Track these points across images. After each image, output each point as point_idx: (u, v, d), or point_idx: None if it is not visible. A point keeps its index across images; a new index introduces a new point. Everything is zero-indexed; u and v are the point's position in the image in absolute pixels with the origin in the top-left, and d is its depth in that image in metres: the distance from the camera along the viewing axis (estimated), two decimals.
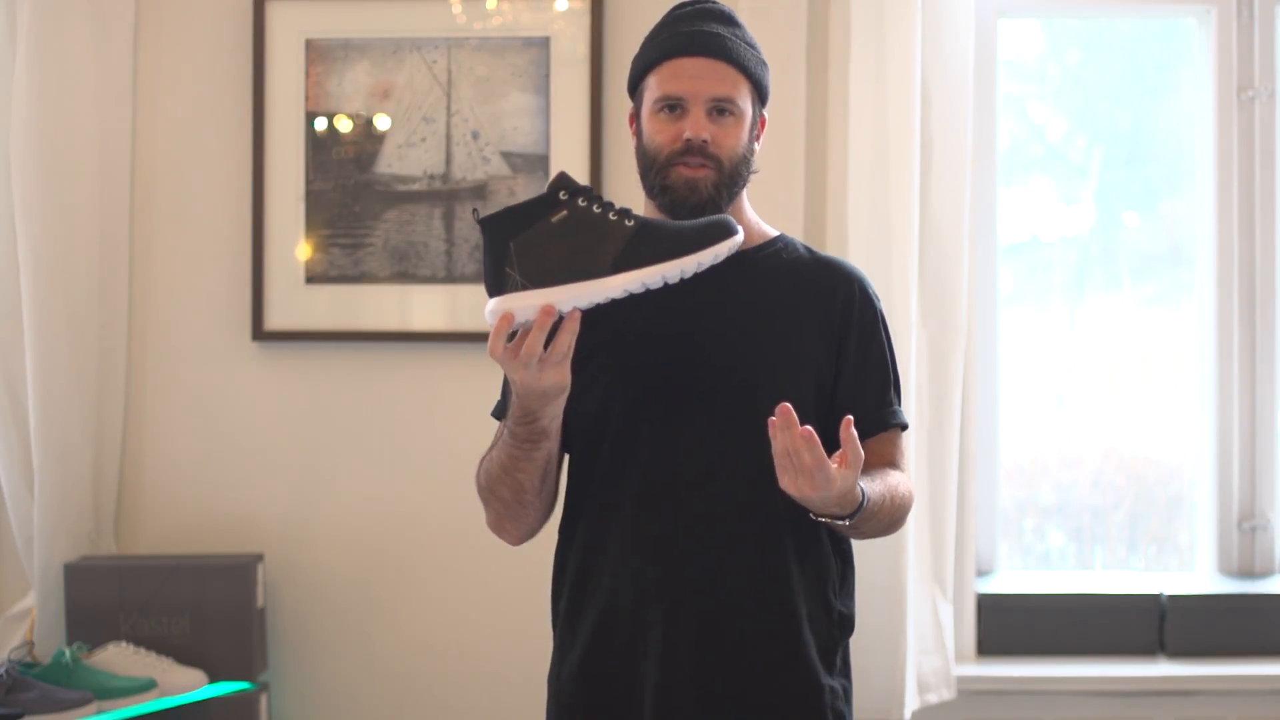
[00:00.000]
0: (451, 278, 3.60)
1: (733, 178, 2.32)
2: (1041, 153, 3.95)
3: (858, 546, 3.42)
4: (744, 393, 2.29)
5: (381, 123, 3.60)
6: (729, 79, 2.31)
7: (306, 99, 3.61)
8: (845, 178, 3.43)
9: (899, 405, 2.41)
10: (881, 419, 2.37)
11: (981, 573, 3.68)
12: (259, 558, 3.50)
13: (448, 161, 3.60)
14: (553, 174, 3.57)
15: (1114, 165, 3.90)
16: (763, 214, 3.48)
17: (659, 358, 2.32)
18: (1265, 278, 3.67)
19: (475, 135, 3.59)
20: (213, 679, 3.35)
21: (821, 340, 2.34)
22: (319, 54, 3.61)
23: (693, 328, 2.33)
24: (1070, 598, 3.62)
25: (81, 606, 3.41)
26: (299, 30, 3.61)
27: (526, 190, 3.58)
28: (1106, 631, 3.59)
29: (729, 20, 2.37)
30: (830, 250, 3.48)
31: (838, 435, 2.22)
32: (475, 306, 3.59)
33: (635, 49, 3.59)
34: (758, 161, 2.40)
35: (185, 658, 3.38)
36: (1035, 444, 3.87)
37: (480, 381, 3.60)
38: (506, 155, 3.59)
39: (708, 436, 2.29)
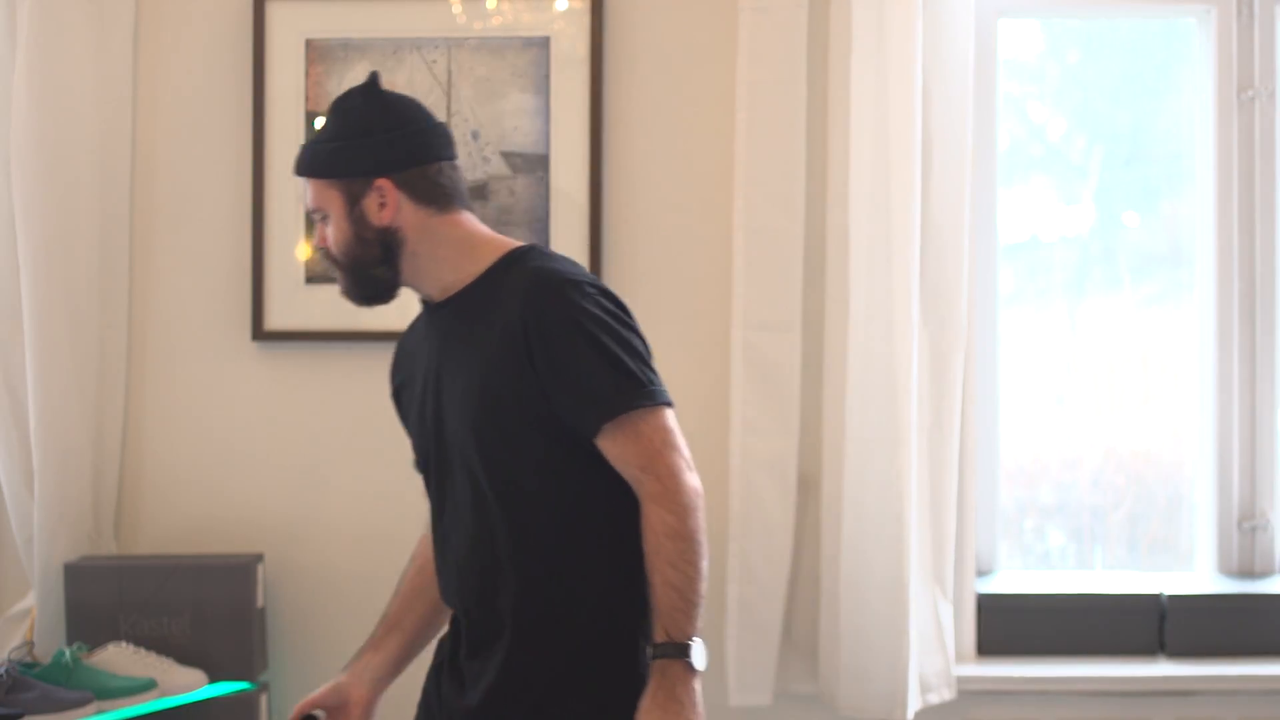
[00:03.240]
0: None
1: (355, 265, 2.46)
2: (1041, 153, 3.95)
3: (858, 547, 3.44)
4: (458, 444, 2.44)
5: None
6: (310, 190, 2.48)
7: (306, 99, 3.61)
8: (845, 178, 3.43)
9: (629, 389, 2.35)
10: (599, 417, 2.34)
11: (981, 573, 3.68)
12: (259, 558, 3.50)
13: None
14: (554, 174, 3.57)
15: (1114, 165, 3.90)
16: (762, 213, 3.49)
17: (414, 420, 2.57)
18: (1265, 278, 3.67)
19: (475, 135, 3.59)
20: (213, 679, 3.35)
21: (512, 364, 2.37)
22: (319, 54, 3.61)
23: (428, 382, 2.51)
24: (1070, 598, 3.62)
25: (81, 606, 3.41)
26: (299, 30, 3.61)
27: (526, 190, 3.58)
28: (1106, 631, 3.59)
29: (329, 116, 2.50)
30: (830, 250, 3.48)
31: (576, 452, 2.38)
32: None
33: (635, 49, 3.62)
34: (422, 232, 2.45)
35: (185, 658, 3.38)
36: (1035, 444, 3.87)
37: None
38: (506, 155, 3.59)
39: (448, 489, 2.50)
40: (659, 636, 2.29)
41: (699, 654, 2.29)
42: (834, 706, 3.46)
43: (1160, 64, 3.89)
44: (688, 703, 2.27)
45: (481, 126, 3.59)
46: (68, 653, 3.24)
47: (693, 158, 3.58)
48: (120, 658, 3.31)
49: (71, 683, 3.20)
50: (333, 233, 2.45)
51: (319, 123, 2.52)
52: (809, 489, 3.53)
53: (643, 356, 2.40)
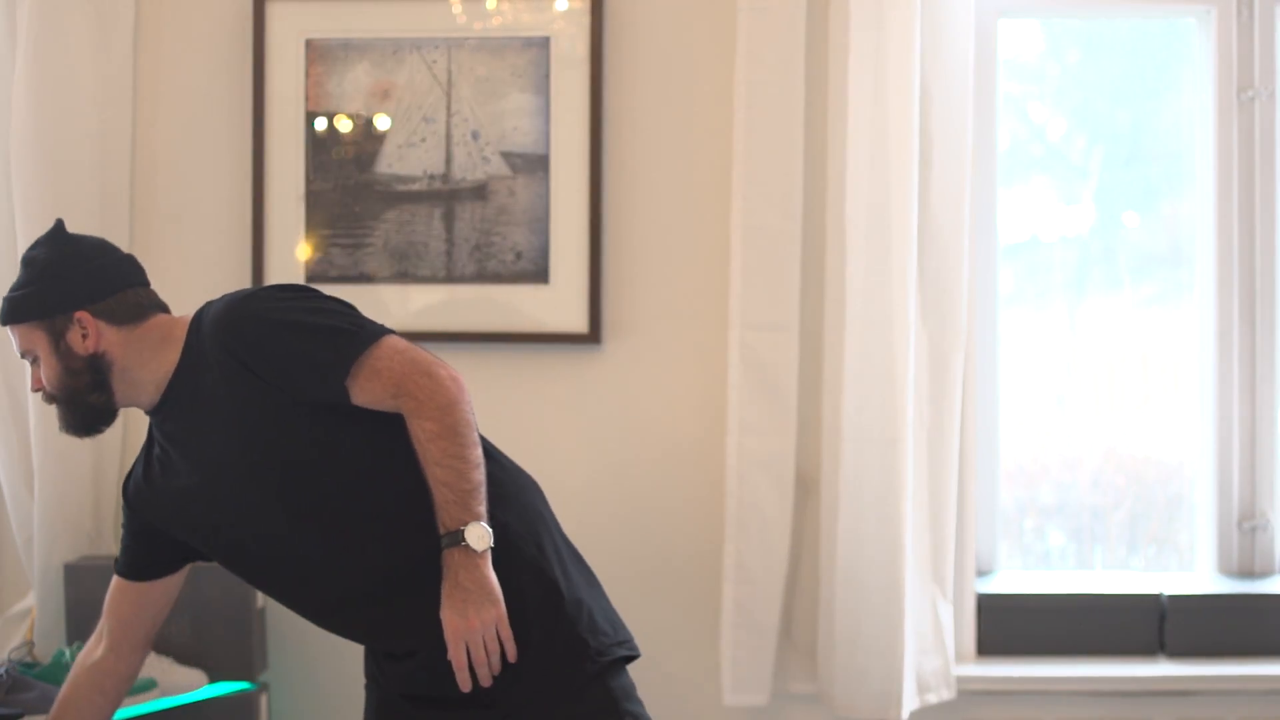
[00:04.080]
0: (451, 278, 3.60)
1: (71, 396, 2.55)
2: (1041, 153, 3.95)
3: (856, 547, 3.43)
4: (256, 507, 2.49)
5: (381, 123, 3.60)
6: (17, 336, 2.59)
7: (306, 99, 3.61)
8: (844, 177, 3.43)
9: (343, 342, 2.43)
10: (337, 381, 2.42)
11: (981, 573, 3.68)
12: None
13: (448, 161, 3.60)
14: (553, 174, 3.57)
15: (1114, 165, 3.90)
16: (761, 213, 3.49)
17: (200, 531, 2.60)
18: (1265, 278, 3.67)
19: (475, 135, 3.59)
20: (213, 679, 3.35)
21: (252, 396, 2.45)
22: (319, 54, 3.62)
23: (191, 485, 2.56)
24: (1070, 598, 3.62)
25: (81, 606, 3.41)
26: (299, 30, 3.61)
27: (526, 190, 3.58)
28: (1106, 631, 3.59)
29: (22, 266, 2.59)
30: (829, 250, 3.48)
31: (362, 427, 2.44)
32: (475, 306, 3.59)
33: (635, 49, 3.62)
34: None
35: (185, 658, 3.38)
36: (1035, 444, 3.87)
37: (479, 381, 3.59)
38: (506, 155, 3.59)
39: (277, 559, 2.54)
40: (441, 530, 2.38)
41: (474, 535, 2.36)
42: (831, 706, 3.46)
43: (1160, 64, 3.89)
44: (472, 587, 2.35)
45: (481, 126, 3.59)
46: (68, 653, 3.24)
47: (692, 157, 3.59)
48: None
49: None
50: (45, 371, 2.57)
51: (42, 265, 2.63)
52: (807, 489, 3.53)
53: (341, 313, 2.50)
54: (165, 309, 2.63)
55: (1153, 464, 3.86)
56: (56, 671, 3.21)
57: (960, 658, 3.55)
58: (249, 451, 2.48)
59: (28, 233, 3.49)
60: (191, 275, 3.66)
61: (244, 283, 3.62)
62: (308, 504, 2.47)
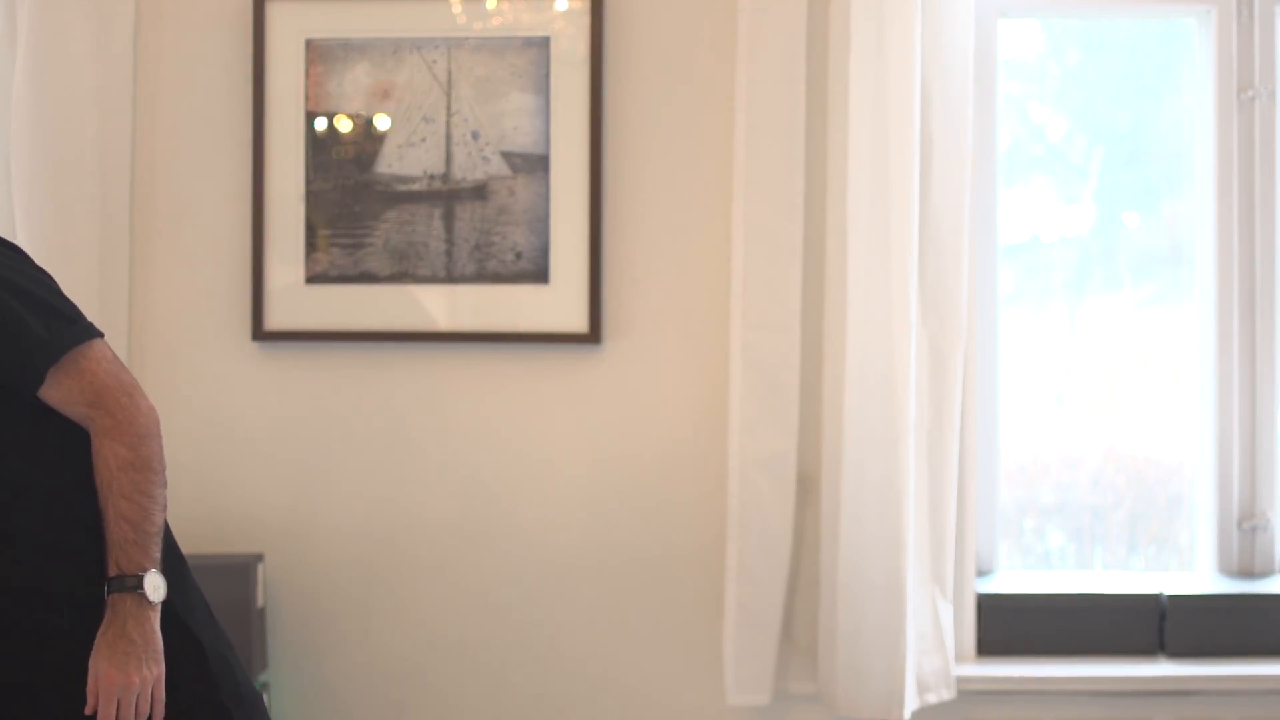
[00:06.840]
0: (451, 278, 3.60)
1: None
2: (1041, 153, 3.95)
3: (857, 547, 3.43)
4: None
5: (381, 123, 3.60)
6: None
7: (306, 99, 3.61)
8: (844, 178, 3.43)
9: (61, 329, 2.20)
10: (42, 363, 2.19)
11: (981, 573, 3.68)
12: (259, 558, 3.50)
13: (448, 161, 3.60)
14: (553, 174, 3.57)
15: (1114, 165, 3.90)
16: (762, 213, 3.49)
17: None
18: (1265, 278, 3.67)
19: (475, 135, 3.59)
20: None
21: None
22: (319, 54, 3.62)
23: None
24: (1070, 598, 3.62)
25: None
26: (299, 30, 3.61)
27: (526, 190, 3.58)
28: (1106, 631, 3.59)
29: None
30: (829, 250, 3.48)
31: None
32: (475, 306, 3.59)
33: (635, 49, 3.63)
34: None
35: None
36: (1035, 444, 3.86)
37: (480, 381, 3.61)
38: (506, 155, 3.59)
39: None
40: (111, 571, 2.20)
41: (152, 584, 2.21)
42: (832, 706, 3.46)
43: (1160, 64, 3.89)
44: (139, 639, 2.18)
45: (481, 126, 3.59)
46: None
47: (692, 158, 3.59)
48: None
49: None
50: None
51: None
52: (808, 488, 3.53)
53: (58, 293, 2.27)
54: None
55: (1153, 464, 3.86)
56: None
57: (960, 658, 3.55)
58: None
59: (28, 232, 3.49)
60: (192, 275, 3.66)
61: (245, 284, 3.63)
62: None
